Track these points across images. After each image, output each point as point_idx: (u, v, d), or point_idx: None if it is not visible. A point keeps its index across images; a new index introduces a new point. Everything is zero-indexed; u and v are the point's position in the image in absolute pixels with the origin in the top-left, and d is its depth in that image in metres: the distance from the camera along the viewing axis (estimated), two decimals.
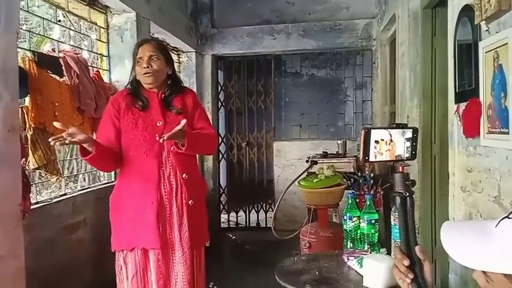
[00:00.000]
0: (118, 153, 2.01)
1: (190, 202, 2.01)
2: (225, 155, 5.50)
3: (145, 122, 1.99)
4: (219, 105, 5.41)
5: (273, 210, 4.96)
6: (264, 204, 5.41)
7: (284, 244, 3.45)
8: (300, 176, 3.23)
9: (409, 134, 1.09)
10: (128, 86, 2.11)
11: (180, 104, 2.08)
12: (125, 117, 2.00)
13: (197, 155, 2.26)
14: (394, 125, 1.10)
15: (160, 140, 1.83)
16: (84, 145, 1.81)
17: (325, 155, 3.98)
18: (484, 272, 0.75)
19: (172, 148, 1.98)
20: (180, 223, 2.00)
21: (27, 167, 2.22)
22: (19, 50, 2.10)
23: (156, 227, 1.95)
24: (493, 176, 1.61)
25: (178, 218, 1.99)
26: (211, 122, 4.61)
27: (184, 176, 2.00)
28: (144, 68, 2.00)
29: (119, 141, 2.01)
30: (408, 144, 1.09)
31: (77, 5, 2.90)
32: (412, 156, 1.10)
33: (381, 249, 1.79)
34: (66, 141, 1.72)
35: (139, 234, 1.96)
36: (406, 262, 0.98)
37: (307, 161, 3.69)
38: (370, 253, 1.77)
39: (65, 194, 2.68)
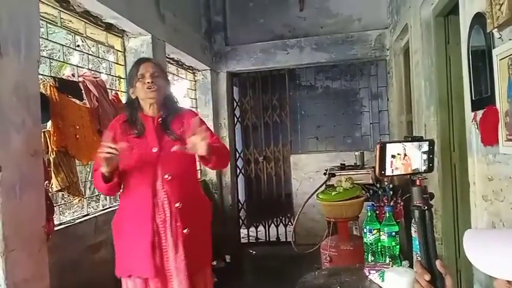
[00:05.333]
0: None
1: (185, 231, 1.94)
2: (242, 170, 5.52)
3: (141, 149, 1.94)
4: (235, 121, 5.45)
5: (292, 224, 4.94)
6: (283, 218, 5.39)
7: (305, 258, 3.43)
8: (318, 189, 3.23)
9: (425, 147, 1.08)
10: (125, 112, 2.07)
11: (179, 127, 2.00)
12: None
13: (198, 180, 2.18)
14: (410, 139, 1.10)
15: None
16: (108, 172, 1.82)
17: (343, 167, 3.96)
18: (508, 282, 0.74)
19: (166, 177, 1.93)
20: (176, 252, 1.93)
21: (50, 189, 2.28)
22: (40, 76, 2.17)
23: (150, 256, 1.90)
24: None
25: (173, 247, 1.93)
26: (227, 137, 4.53)
27: (177, 205, 1.93)
28: (148, 82, 1.96)
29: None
30: (425, 157, 1.08)
31: (94, 30, 2.99)
32: (429, 169, 1.09)
33: (403, 262, 1.77)
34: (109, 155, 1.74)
35: (135, 262, 1.94)
36: (427, 277, 0.97)
37: (325, 174, 3.68)
38: (392, 266, 1.74)
39: (87, 214, 2.73)
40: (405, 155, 1.04)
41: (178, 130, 1.99)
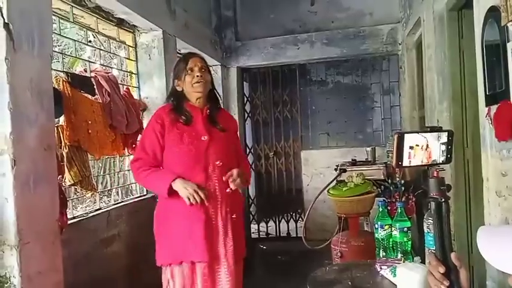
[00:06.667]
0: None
1: (233, 216, 2.05)
2: (253, 166, 5.51)
3: (191, 136, 2.03)
4: (246, 116, 5.45)
5: (303, 220, 4.93)
6: (294, 214, 5.39)
7: (315, 254, 3.42)
8: (329, 184, 3.21)
9: (444, 137, 1.06)
10: (170, 101, 2.16)
11: (223, 123, 2.14)
12: (170, 133, 2.05)
13: None
14: (428, 129, 1.07)
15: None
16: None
17: (354, 163, 3.93)
18: None
19: (218, 162, 2.03)
20: (225, 237, 2.03)
21: (63, 183, 2.30)
22: (53, 71, 2.19)
23: (204, 240, 1.98)
24: None
25: (223, 232, 2.02)
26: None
27: (228, 190, 2.03)
28: (197, 76, 2.07)
29: (162, 157, 2.07)
30: (443, 147, 1.06)
31: (106, 25, 3.00)
32: (448, 160, 1.07)
33: (414, 258, 1.76)
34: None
35: (187, 248, 1.99)
36: (442, 269, 0.96)
37: (335, 169, 3.66)
38: (404, 262, 1.73)
39: (99, 209, 2.75)
40: (425, 146, 1.01)
41: (222, 123, 2.13)
